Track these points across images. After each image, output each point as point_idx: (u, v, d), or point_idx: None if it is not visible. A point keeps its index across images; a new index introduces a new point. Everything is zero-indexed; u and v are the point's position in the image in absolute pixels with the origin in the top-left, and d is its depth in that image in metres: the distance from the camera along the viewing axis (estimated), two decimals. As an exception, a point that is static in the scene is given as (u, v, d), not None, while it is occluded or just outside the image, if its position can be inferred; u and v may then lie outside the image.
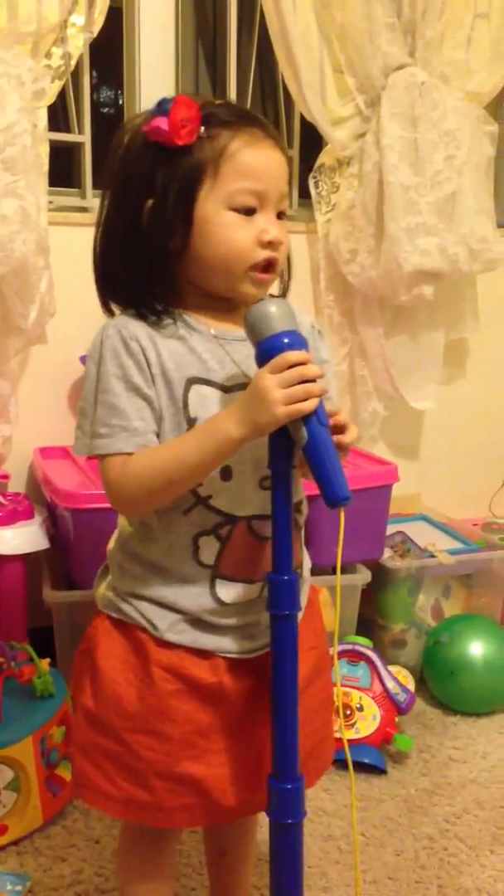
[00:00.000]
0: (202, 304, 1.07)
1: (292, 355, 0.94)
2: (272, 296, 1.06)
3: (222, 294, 1.06)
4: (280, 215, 1.05)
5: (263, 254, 1.02)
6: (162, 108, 0.98)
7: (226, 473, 1.04)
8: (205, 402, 1.03)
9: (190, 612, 1.07)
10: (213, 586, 1.06)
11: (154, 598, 1.08)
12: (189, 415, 1.02)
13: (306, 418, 0.94)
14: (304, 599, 1.17)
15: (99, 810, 1.15)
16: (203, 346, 1.05)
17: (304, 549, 1.18)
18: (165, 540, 1.06)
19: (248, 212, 1.01)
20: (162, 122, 0.98)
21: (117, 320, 1.05)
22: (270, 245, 1.02)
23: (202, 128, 1.00)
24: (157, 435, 1.03)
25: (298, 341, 0.97)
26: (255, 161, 1.01)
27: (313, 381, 0.94)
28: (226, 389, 1.04)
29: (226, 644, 1.08)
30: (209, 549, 1.06)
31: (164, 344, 1.03)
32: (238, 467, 1.04)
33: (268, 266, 1.04)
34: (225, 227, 1.01)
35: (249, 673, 1.10)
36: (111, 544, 1.16)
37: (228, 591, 1.07)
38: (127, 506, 1.07)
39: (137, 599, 1.09)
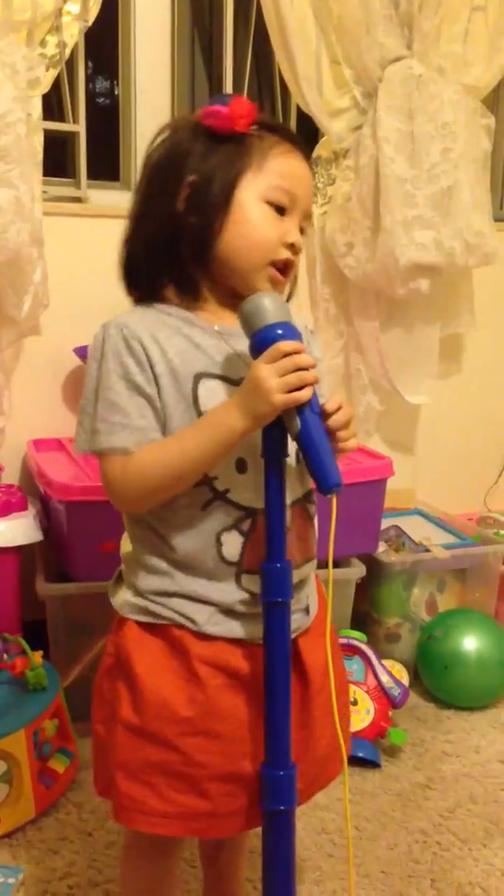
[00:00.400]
0: (211, 299, 1.09)
1: (286, 345, 0.95)
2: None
3: (238, 288, 1.07)
4: (301, 230, 1.09)
5: (285, 253, 1.06)
6: (222, 99, 1.05)
7: (241, 466, 1.04)
8: (214, 395, 1.03)
9: (222, 604, 1.06)
10: (239, 581, 1.06)
11: (186, 594, 1.06)
12: (200, 409, 1.03)
13: (299, 407, 0.96)
14: (314, 589, 1.17)
15: (154, 833, 1.09)
16: (207, 342, 1.06)
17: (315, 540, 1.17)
18: (188, 539, 1.05)
19: (280, 210, 1.06)
20: (222, 110, 1.04)
21: (118, 319, 1.05)
22: (292, 247, 1.07)
23: (254, 125, 1.06)
24: (163, 434, 1.03)
25: (292, 332, 0.98)
26: (293, 168, 1.07)
27: (307, 369, 0.96)
28: (234, 382, 1.04)
29: (258, 631, 1.06)
30: (233, 546, 1.05)
31: (169, 342, 1.04)
32: (252, 459, 1.04)
33: (285, 268, 1.08)
34: (257, 217, 1.05)
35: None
36: (126, 547, 1.13)
37: (255, 584, 1.06)
38: (130, 504, 1.06)
39: (168, 597, 1.07)
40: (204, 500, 1.04)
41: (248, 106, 1.05)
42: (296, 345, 0.96)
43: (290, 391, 0.95)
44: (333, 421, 1.00)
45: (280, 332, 0.97)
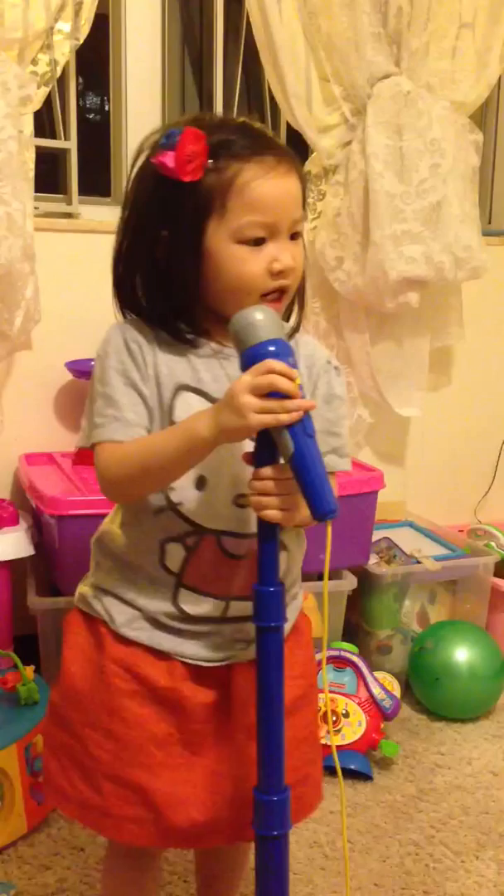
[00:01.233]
0: (212, 320, 1.06)
1: (276, 364, 0.92)
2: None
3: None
4: (294, 236, 1.04)
5: (274, 283, 1.02)
6: (169, 141, 0.98)
7: (199, 483, 1.04)
8: (190, 409, 1.03)
9: (147, 611, 1.08)
10: (176, 594, 1.07)
11: (117, 594, 1.10)
12: (173, 420, 1.04)
13: (292, 429, 0.93)
14: (291, 619, 1.15)
15: (63, 813, 1.18)
16: (200, 360, 1.06)
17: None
18: (135, 538, 1.08)
19: (258, 242, 1.01)
20: (168, 158, 0.97)
21: (124, 323, 1.08)
22: (281, 274, 1.02)
23: (210, 160, 0.99)
24: (149, 433, 1.05)
25: (284, 350, 0.95)
26: (264, 193, 0.99)
27: (292, 395, 0.91)
28: (214, 401, 1.03)
29: (185, 648, 1.08)
30: (174, 557, 1.06)
31: (164, 350, 1.06)
32: (213, 479, 1.04)
33: (279, 294, 1.04)
34: (233, 260, 1.01)
35: (211, 684, 1.09)
36: (92, 539, 1.17)
37: (190, 602, 1.07)
38: (110, 490, 1.07)
39: (103, 594, 1.11)
40: (157, 505, 1.05)
41: (195, 144, 0.97)
42: (284, 367, 0.92)
43: (269, 413, 0.91)
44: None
45: (272, 349, 0.94)
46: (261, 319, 0.95)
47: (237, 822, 1.08)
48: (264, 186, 0.99)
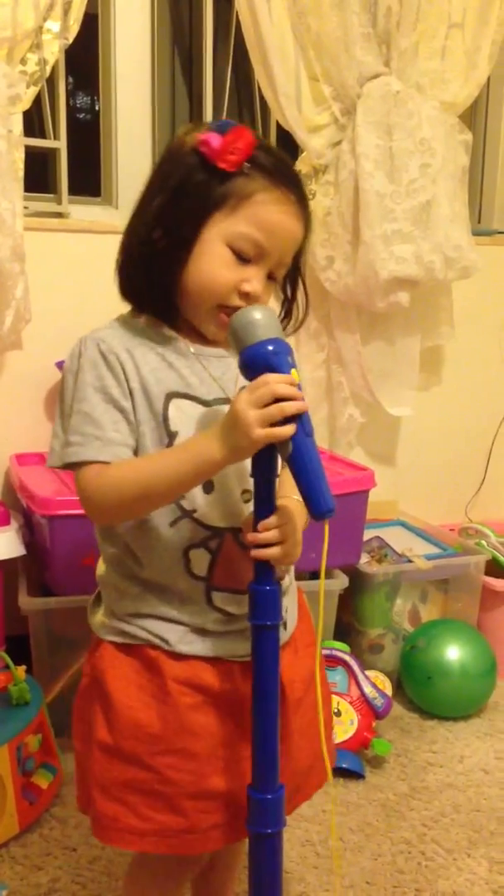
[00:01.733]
0: (189, 321, 1.07)
1: (271, 376, 0.92)
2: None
3: (192, 321, 1.07)
4: (271, 277, 1.06)
5: (235, 301, 1.03)
6: (222, 127, 1.01)
7: (207, 486, 1.04)
8: (185, 416, 1.03)
9: (193, 624, 1.06)
10: (209, 599, 1.06)
11: (158, 615, 1.07)
12: (170, 429, 1.03)
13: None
14: (293, 595, 1.17)
15: (131, 850, 1.11)
16: (181, 362, 1.06)
17: None
18: (157, 556, 1.05)
19: (243, 259, 1.02)
20: (215, 140, 1.00)
21: (95, 334, 1.05)
22: (247, 296, 1.02)
23: (247, 164, 1.01)
24: (135, 451, 1.03)
25: (283, 349, 0.95)
26: (272, 219, 1.02)
27: (292, 398, 0.92)
28: (206, 404, 1.04)
29: (235, 648, 1.07)
30: (201, 562, 1.05)
31: (143, 359, 1.04)
32: (220, 480, 1.04)
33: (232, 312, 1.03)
34: (215, 258, 1.02)
35: None
36: (100, 569, 1.14)
37: (227, 602, 1.06)
38: (105, 516, 1.05)
39: (141, 618, 1.07)
40: (172, 517, 1.04)
41: (243, 142, 1.00)
42: (280, 376, 0.92)
43: (273, 424, 0.91)
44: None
45: (271, 348, 0.94)
46: (259, 319, 0.96)
47: (296, 790, 1.11)
48: (275, 213, 1.02)
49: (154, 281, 1.04)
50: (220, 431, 0.95)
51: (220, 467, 0.97)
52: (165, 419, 1.02)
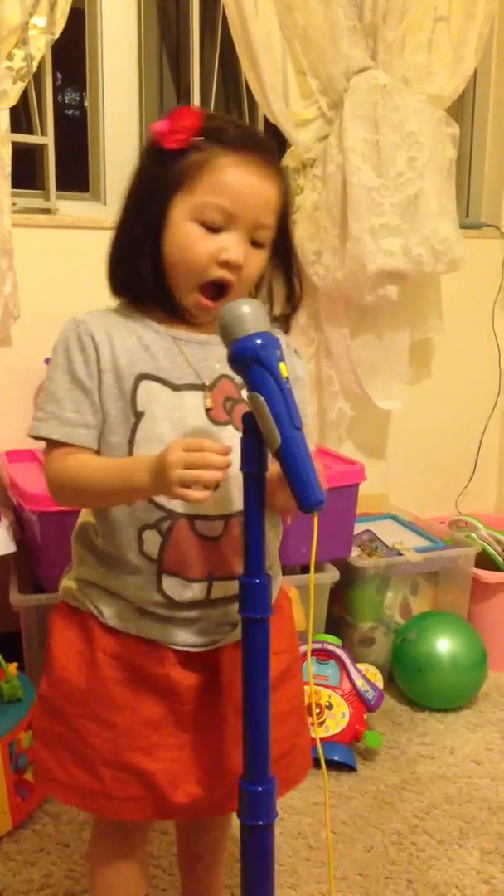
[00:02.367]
0: (168, 300, 1.09)
1: (202, 443, 0.94)
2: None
3: (177, 302, 1.08)
4: (257, 244, 1.05)
5: (217, 272, 1.04)
6: (169, 112, 1.04)
7: None
8: (152, 397, 1.05)
9: (136, 602, 1.09)
10: (159, 581, 1.08)
11: (103, 586, 1.11)
12: (136, 408, 1.05)
13: (279, 421, 0.93)
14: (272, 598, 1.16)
15: (55, 799, 1.17)
16: (158, 345, 1.08)
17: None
18: (115, 530, 1.08)
19: (213, 229, 1.03)
20: (161, 125, 1.03)
21: (80, 316, 1.09)
22: (227, 265, 1.03)
23: (196, 138, 1.02)
24: (99, 434, 1.06)
25: (271, 342, 0.96)
26: (235, 182, 1.02)
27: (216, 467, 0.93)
28: (175, 388, 1.06)
29: (173, 636, 1.09)
30: (152, 544, 1.07)
31: (121, 342, 1.07)
32: None
33: (218, 291, 1.05)
34: (185, 237, 1.03)
35: (200, 668, 1.11)
36: (72, 535, 1.18)
37: (174, 588, 1.08)
38: (54, 496, 1.11)
39: (89, 587, 1.12)
40: None
41: (186, 120, 1.03)
42: (220, 447, 0.94)
43: (185, 485, 0.93)
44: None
45: (259, 341, 0.95)
46: (248, 312, 0.96)
47: (228, 795, 1.10)
48: (236, 175, 1.02)
49: (137, 271, 1.06)
50: (150, 467, 0.97)
51: (148, 496, 1.02)
52: (133, 399, 1.05)
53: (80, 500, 1.11)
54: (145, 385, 1.06)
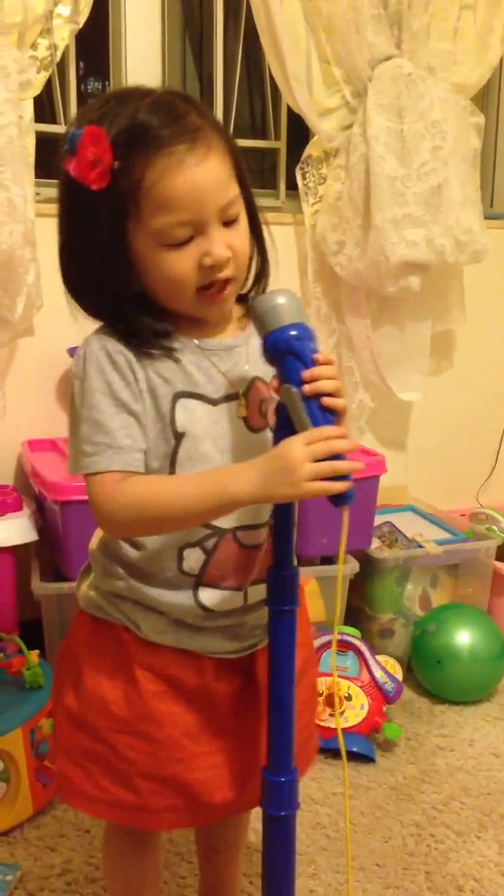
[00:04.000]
0: (178, 316, 1.02)
1: (330, 430, 0.90)
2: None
3: (189, 314, 1.01)
4: (230, 222, 0.97)
5: (209, 277, 0.96)
6: (71, 146, 0.91)
7: None
8: (192, 415, 1.00)
9: (172, 615, 1.05)
10: (196, 593, 1.05)
11: (137, 600, 1.06)
12: (176, 429, 0.99)
13: (311, 412, 0.92)
14: None
15: (84, 813, 1.16)
16: (187, 359, 1.01)
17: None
18: (149, 548, 1.04)
19: (182, 242, 0.94)
20: (70, 165, 0.91)
21: (100, 333, 1.01)
22: (214, 269, 0.96)
23: (115, 162, 0.91)
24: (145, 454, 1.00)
25: (306, 334, 0.95)
26: (176, 190, 0.91)
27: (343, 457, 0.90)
28: (214, 402, 1.01)
29: (210, 645, 1.07)
30: (194, 560, 1.04)
31: (150, 356, 0.99)
32: None
33: (222, 285, 0.98)
34: (160, 264, 0.95)
35: (236, 673, 1.09)
36: (93, 543, 1.13)
37: (212, 598, 1.05)
38: (115, 529, 1.03)
39: (121, 600, 1.07)
40: None
41: (96, 147, 0.90)
42: (339, 430, 0.91)
43: (321, 479, 0.89)
44: (321, 374, 0.92)
45: (294, 333, 0.93)
46: (282, 304, 0.94)
47: (258, 791, 1.11)
48: (175, 183, 0.91)
49: (115, 304, 0.98)
50: (256, 472, 0.91)
51: (243, 505, 0.94)
52: (173, 420, 0.99)
53: (160, 528, 1.00)
54: (183, 403, 0.99)
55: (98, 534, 1.13)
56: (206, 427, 1.00)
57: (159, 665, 1.06)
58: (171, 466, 1.00)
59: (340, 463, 0.90)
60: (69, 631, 1.16)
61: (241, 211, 0.98)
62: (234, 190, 0.97)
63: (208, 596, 1.05)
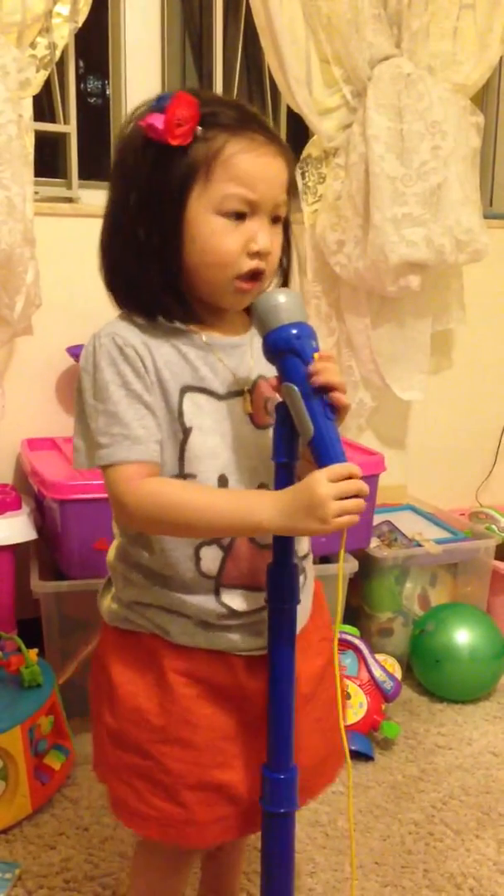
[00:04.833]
0: (198, 307, 1.03)
1: (352, 468, 0.92)
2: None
3: (207, 301, 1.03)
4: (277, 220, 1.02)
5: (250, 264, 0.99)
6: (160, 104, 0.95)
7: (222, 482, 1.03)
8: (200, 410, 1.01)
9: (197, 617, 1.05)
10: (218, 595, 1.04)
11: (161, 605, 1.05)
12: (184, 424, 1.00)
13: (313, 411, 0.93)
14: (309, 590, 1.16)
15: (138, 833, 1.12)
16: (194, 353, 1.02)
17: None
18: (166, 550, 1.03)
19: (238, 216, 0.98)
20: (157, 120, 0.95)
21: (108, 327, 1.02)
22: (258, 255, 0.99)
23: (199, 128, 0.96)
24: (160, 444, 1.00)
25: (307, 332, 0.95)
26: (249, 167, 0.97)
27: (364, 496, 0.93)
28: (221, 398, 1.02)
29: (238, 643, 1.06)
30: (211, 560, 1.04)
31: (159, 351, 1.01)
32: (234, 476, 1.03)
33: (253, 276, 1.00)
34: (212, 233, 0.98)
35: (263, 668, 1.07)
36: (111, 555, 1.13)
37: (234, 599, 1.05)
38: (132, 522, 1.03)
39: (145, 607, 1.07)
40: None
41: (186, 109, 0.95)
42: (357, 469, 0.93)
43: (345, 515, 0.91)
44: (322, 373, 0.94)
45: (295, 332, 0.94)
46: (284, 302, 0.96)
47: (311, 787, 1.11)
48: (250, 161, 0.97)
49: (154, 281, 1.00)
50: (283, 505, 0.93)
51: (264, 533, 0.97)
52: (181, 414, 1.00)
53: (180, 533, 1.01)
54: (191, 397, 1.00)
55: (114, 545, 1.12)
56: (214, 422, 1.02)
57: (191, 668, 1.06)
58: (180, 462, 1.01)
59: (361, 501, 0.92)
60: (97, 650, 1.15)
61: (284, 216, 1.04)
62: (286, 197, 1.02)
63: (230, 597, 1.05)
